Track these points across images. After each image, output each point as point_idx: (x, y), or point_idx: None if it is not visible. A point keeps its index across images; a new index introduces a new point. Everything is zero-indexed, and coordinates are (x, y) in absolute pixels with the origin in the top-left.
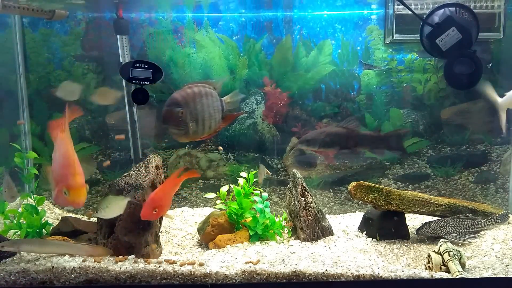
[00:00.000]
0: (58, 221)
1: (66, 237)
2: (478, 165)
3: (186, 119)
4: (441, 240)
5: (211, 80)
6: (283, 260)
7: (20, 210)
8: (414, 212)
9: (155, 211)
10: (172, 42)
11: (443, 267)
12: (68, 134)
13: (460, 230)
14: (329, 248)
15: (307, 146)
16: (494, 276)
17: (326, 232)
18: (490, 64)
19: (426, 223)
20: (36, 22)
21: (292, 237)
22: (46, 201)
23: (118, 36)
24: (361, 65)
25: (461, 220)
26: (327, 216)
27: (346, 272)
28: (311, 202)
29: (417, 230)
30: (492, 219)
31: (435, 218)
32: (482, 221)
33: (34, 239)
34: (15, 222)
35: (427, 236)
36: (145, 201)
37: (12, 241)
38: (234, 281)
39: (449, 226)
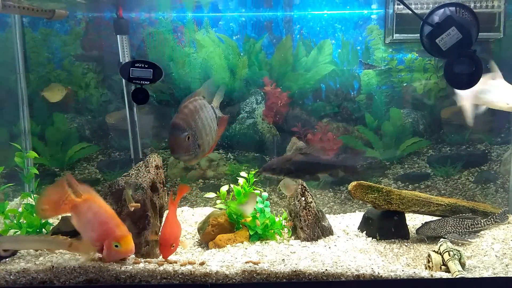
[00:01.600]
0: (58, 221)
1: (66, 237)
2: (478, 165)
3: (193, 142)
4: (441, 240)
5: (199, 90)
6: (283, 259)
7: (20, 209)
8: (414, 211)
9: (173, 246)
10: (172, 42)
11: (443, 266)
12: (93, 193)
13: (460, 230)
14: (329, 247)
15: (272, 174)
16: (494, 275)
17: (326, 231)
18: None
19: (426, 223)
20: (36, 21)
21: (292, 237)
22: None
23: (118, 35)
24: (361, 65)
25: (461, 220)
26: (327, 215)
27: (346, 271)
28: (311, 202)
29: (417, 230)
30: (492, 219)
31: (435, 218)
32: (482, 220)
33: (13, 236)
34: (15, 221)
35: (427, 236)
36: (161, 244)
37: None
38: (234, 280)
39: (449, 226)
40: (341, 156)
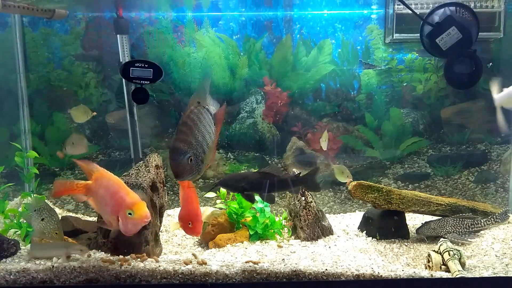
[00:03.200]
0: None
1: (66, 237)
2: (478, 165)
3: (196, 160)
4: (441, 239)
5: (193, 97)
6: (283, 259)
7: (20, 209)
8: (414, 211)
9: (190, 224)
10: (172, 42)
11: (443, 266)
12: (101, 169)
13: (460, 230)
14: (329, 247)
15: (227, 188)
16: (494, 275)
17: (326, 231)
18: (490, 64)
19: (426, 222)
20: (36, 21)
21: (292, 237)
22: (46, 200)
23: (118, 35)
24: (361, 65)
25: (461, 219)
26: (327, 215)
27: (346, 271)
28: (311, 202)
29: (417, 230)
30: (492, 218)
31: (435, 218)
32: (482, 220)
33: (43, 244)
34: (15, 221)
35: (427, 235)
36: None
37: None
38: (234, 280)
39: (449, 225)
40: (302, 174)
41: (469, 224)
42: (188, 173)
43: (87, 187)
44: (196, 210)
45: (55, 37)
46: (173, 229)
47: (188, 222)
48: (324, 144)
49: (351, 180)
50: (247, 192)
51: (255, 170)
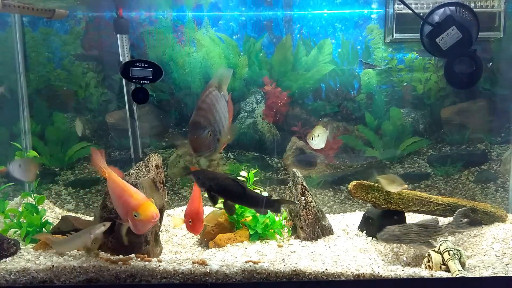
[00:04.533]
0: (58, 220)
1: (66, 237)
2: (478, 164)
3: (213, 137)
4: (441, 239)
5: (212, 81)
6: (283, 259)
7: (20, 209)
8: (414, 211)
9: (190, 222)
10: (172, 41)
11: (443, 266)
12: (109, 170)
13: (424, 238)
14: (329, 247)
15: (196, 181)
16: (494, 275)
17: (326, 231)
18: (491, 63)
19: (389, 228)
20: (36, 21)
21: (292, 236)
22: (46, 200)
23: (118, 35)
24: (361, 64)
25: (424, 227)
26: (327, 215)
27: (346, 271)
28: (311, 201)
29: (379, 234)
30: (451, 225)
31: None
32: (443, 226)
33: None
34: (15, 221)
35: (389, 242)
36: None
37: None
38: (234, 280)
39: (413, 233)
40: (273, 198)
41: (432, 231)
42: (206, 148)
43: (101, 171)
44: (198, 209)
45: (55, 37)
46: (175, 224)
47: (189, 220)
48: (318, 141)
49: (407, 186)
50: (213, 193)
51: (232, 176)
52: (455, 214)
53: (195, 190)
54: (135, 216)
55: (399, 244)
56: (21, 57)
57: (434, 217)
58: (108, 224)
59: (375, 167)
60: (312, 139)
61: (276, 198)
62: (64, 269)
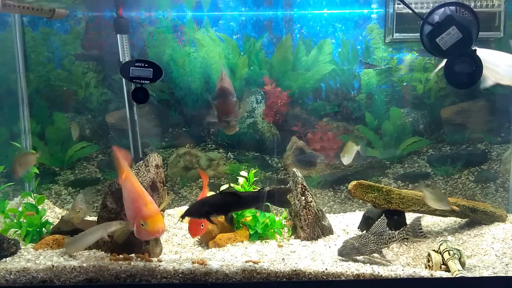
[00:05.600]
0: (58, 220)
1: (66, 236)
2: (478, 164)
3: (237, 104)
4: (441, 239)
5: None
6: (283, 259)
7: (20, 209)
8: (414, 211)
9: (202, 225)
10: (172, 41)
11: (443, 266)
12: (130, 171)
13: (381, 246)
14: (329, 247)
15: (192, 216)
16: (494, 275)
17: (326, 231)
18: None
19: (346, 241)
20: (36, 21)
21: (292, 236)
22: (46, 200)
23: (118, 35)
24: (361, 64)
25: (379, 235)
26: (327, 215)
27: (346, 271)
28: (311, 201)
29: (339, 251)
30: (404, 231)
31: (359, 233)
32: (396, 233)
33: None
34: (15, 221)
35: (350, 256)
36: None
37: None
38: (234, 280)
39: (371, 243)
40: (264, 190)
41: (387, 239)
42: (235, 115)
43: (121, 180)
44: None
45: (55, 36)
46: (179, 217)
47: (201, 224)
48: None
49: (457, 208)
50: (212, 216)
51: (217, 192)
52: (412, 221)
53: (203, 190)
54: (142, 224)
55: (399, 244)
56: (21, 57)
57: (382, 220)
58: (124, 223)
59: (376, 167)
60: (345, 156)
61: (270, 190)
62: (64, 269)
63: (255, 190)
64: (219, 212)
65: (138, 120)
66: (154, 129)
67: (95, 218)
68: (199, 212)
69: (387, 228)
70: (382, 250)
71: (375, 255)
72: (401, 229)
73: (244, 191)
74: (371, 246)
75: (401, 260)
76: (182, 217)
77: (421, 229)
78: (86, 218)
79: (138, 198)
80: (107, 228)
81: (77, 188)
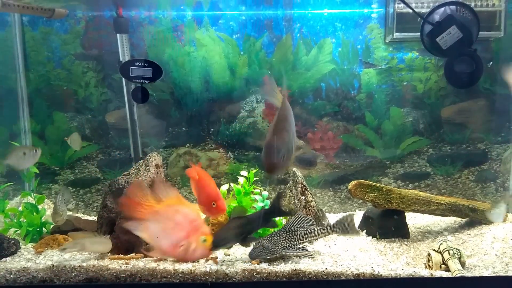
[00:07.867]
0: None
1: (66, 236)
2: (478, 164)
3: (288, 156)
4: (441, 238)
5: (269, 82)
6: (283, 258)
7: (20, 208)
8: (414, 211)
9: (214, 204)
10: (172, 41)
11: (443, 265)
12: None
13: (295, 242)
14: (329, 246)
15: (227, 247)
16: (494, 274)
17: None
18: (491, 63)
19: (257, 242)
20: (36, 20)
21: None
22: (46, 199)
23: (118, 34)
24: (362, 64)
25: (293, 232)
26: (327, 214)
27: (346, 270)
28: (311, 201)
29: (250, 254)
30: (328, 227)
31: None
32: (316, 229)
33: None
34: (15, 220)
35: (263, 258)
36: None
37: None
38: (234, 279)
39: (284, 240)
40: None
41: (303, 234)
42: (281, 170)
43: (154, 210)
44: (215, 190)
45: (55, 36)
46: None
47: (211, 203)
48: None
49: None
50: (243, 236)
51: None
52: (342, 217)
53: (202, 177)
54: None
55: (399, 243)
56: (21, 57)
57: (301, 216)
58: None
59: (376, 167)
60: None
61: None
62: (64, 269)
63: (259, 212)
64: (246, 232)
65: (138, 120)
66: (154, 128)
67: (95, 218)
68: (228, 239)
69: (311, 224)
70: (302, 245)
71: (290, 250)
72: (325, 224)
73: (251, 213)
74: (282, 243)
75: (401, 260)
76: (213, 249)
77: (350, 225)
78: (85, 218)
79: (197, 217)
80: (92, 244)
81: (77, 187)
